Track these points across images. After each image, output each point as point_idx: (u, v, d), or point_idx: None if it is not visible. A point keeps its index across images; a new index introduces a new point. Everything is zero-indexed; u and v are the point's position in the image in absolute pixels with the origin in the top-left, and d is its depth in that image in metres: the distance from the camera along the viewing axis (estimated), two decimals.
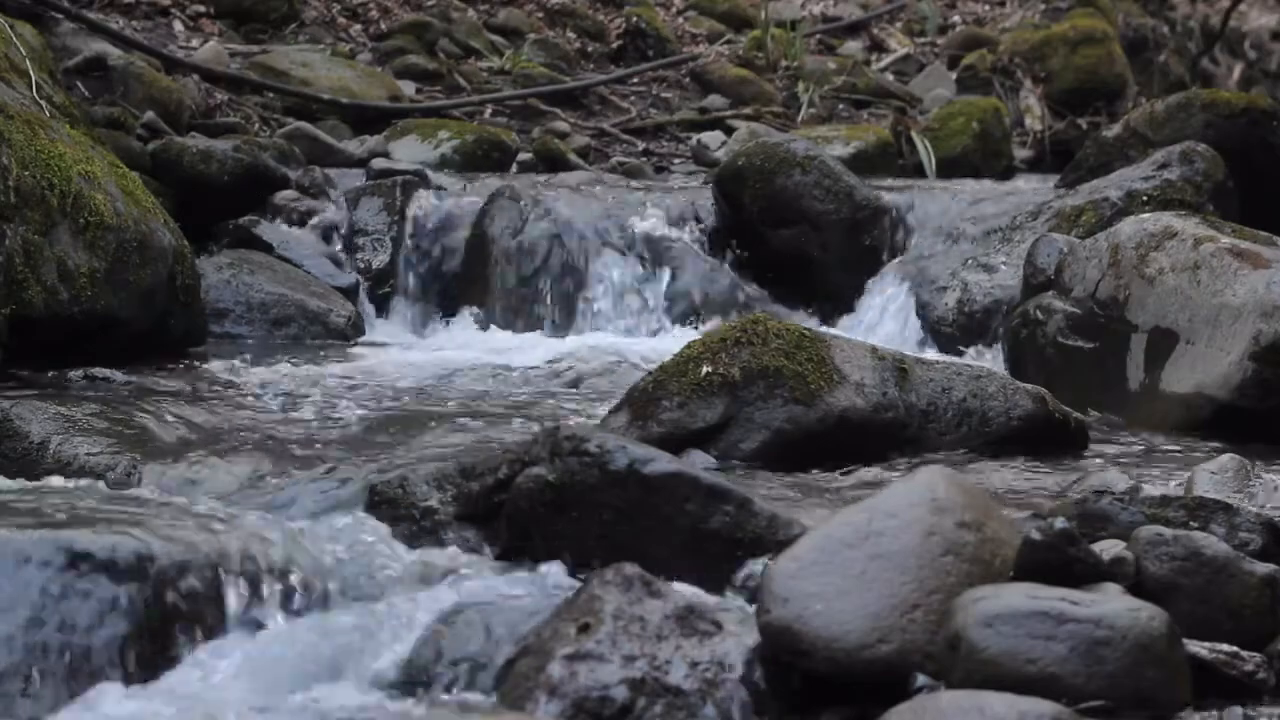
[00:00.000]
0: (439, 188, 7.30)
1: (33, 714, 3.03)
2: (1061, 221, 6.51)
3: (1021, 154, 9.44)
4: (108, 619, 3.17)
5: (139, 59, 8.13)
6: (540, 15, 10.21)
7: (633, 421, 4.52)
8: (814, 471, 4.45)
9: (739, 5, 10.84)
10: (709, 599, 3.30)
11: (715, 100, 9.57)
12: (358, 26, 9.67)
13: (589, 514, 3.53)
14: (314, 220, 7.05)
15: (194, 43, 8.89)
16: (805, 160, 6.99)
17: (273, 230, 6.92)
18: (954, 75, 10.27)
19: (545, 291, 6.90)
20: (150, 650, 3.19)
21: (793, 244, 6.94)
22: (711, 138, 9.02)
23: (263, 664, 3.22)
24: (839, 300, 6.86)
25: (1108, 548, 3.24)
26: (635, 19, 10.18)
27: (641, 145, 9.03)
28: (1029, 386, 4.83)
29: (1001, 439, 4.70)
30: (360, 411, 5.09)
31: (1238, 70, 12.33)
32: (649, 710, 2.95)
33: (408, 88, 9.06)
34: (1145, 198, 6.46)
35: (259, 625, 3.35)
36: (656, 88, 9.73)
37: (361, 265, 6.99)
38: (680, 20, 10.68)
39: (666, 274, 6.94)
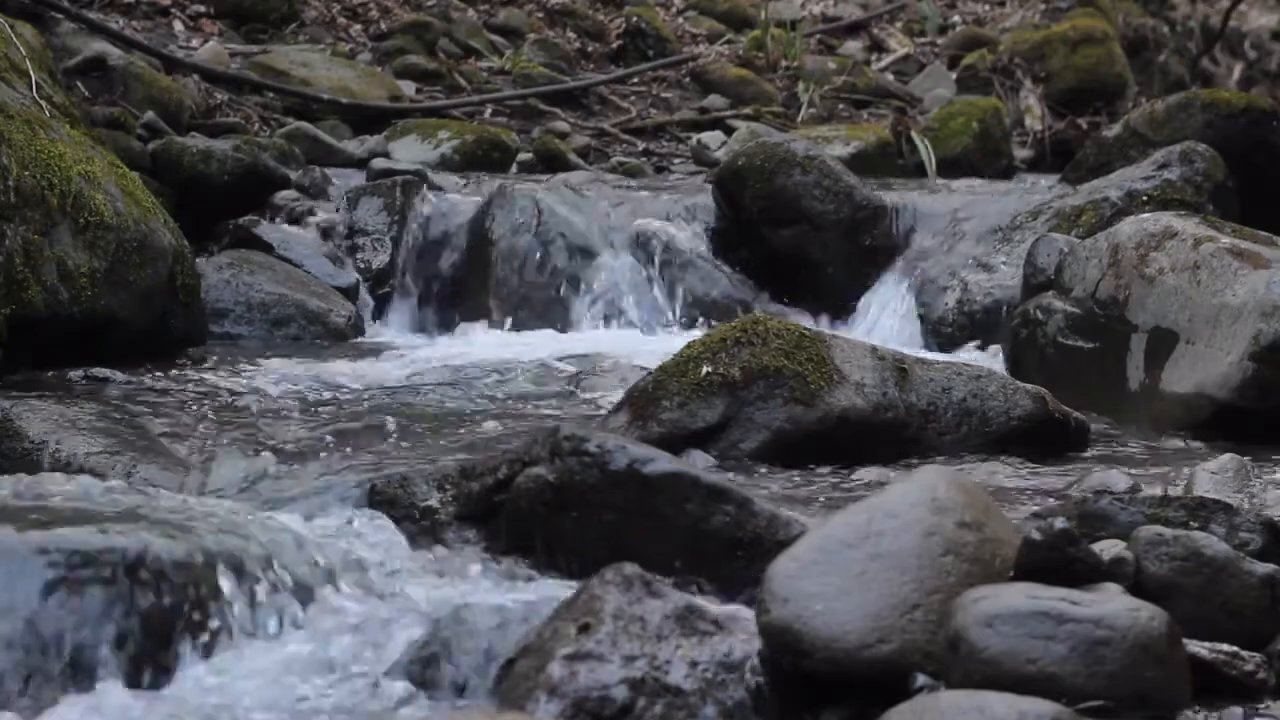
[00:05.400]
0: (439, 188, 7.30)
1: (33, 715, 3.03)
2: (1061, 221, 6.51)
3: (1021, 154, 9.43)
4: (108, 619, 3.17)
5: (139, 59, 8.13)
6: (540, 15, 10.20)
7: (633, 421, 4.52)
8: (814, 471, 4.45)
9: (739, 5, 10.84)
10: (709, 599, 3.30)
11: (715, 100, 9.57)
12: (358, 26, 9.67)
13: (589, 514, 3.53)
14: (314, 220, 7.04)
15: (194, 43, 8.89)
16: (805, 160, 6.99)
17: (273, 230, 6.92)
18: (954, 75, 10.27)
19: (545, 291, 6.89)
20: (151, 650, 3.19)
21: (793, 244, 6.94)
22: (711, 138, 9.02)
23: (263, 664, 3.22)
24: (839, 300, 6.86)
25: (1108, 548, 3.24)
26: (635, 19, 10.18)
27: (641, 145, 9.03)
28: (1029, 386, 4.83)
29: (1001, 439, 4.70)
30: (360, 411, 5.09)
31: (1238, 70, 12.33)
32: (649, 710, 2.95)
33: (408, 88, 9.06)
34: (1145, 198, 6.47)
35: (259, 625, 3.34)
36: (656, 88, 9.72)
37: (361, 265, 6.98)
38: (680, 20, 10.68)
39: (666, 274, 6.94)
